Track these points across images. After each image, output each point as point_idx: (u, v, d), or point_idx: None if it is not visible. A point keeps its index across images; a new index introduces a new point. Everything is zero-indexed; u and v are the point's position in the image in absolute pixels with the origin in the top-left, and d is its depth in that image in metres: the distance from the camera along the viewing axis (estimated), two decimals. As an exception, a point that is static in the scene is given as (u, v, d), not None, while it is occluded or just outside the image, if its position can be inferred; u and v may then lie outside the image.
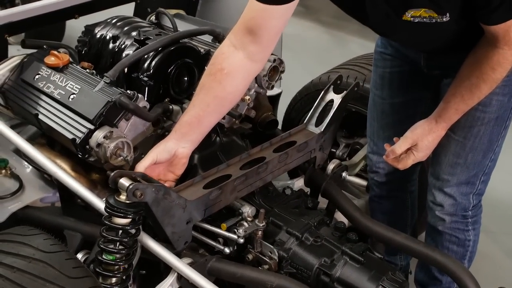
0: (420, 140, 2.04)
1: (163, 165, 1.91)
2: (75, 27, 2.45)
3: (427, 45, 2.02)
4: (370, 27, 1.99)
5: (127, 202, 1.70)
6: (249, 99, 2.31)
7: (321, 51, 5.33)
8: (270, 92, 2.88)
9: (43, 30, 3.07)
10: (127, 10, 2.79)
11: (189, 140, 1.92)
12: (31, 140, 2.19)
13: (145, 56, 2.08)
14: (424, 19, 1.75)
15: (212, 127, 1.98)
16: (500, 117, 2.07)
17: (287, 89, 2.99)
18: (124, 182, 1.68)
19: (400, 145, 2.07)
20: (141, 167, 1.85)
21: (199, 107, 1.91)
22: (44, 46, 2.32)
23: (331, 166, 2.33)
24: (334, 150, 2.87)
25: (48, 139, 2.21)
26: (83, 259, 1.98)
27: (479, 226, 2.34)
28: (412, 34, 1.90)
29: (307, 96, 2.78)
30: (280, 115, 3.02)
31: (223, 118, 2.20)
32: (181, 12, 2.64)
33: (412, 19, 1.76)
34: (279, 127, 2.74)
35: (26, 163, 2.21)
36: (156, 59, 2.08)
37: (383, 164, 2.41)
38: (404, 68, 2.22)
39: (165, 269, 1.90)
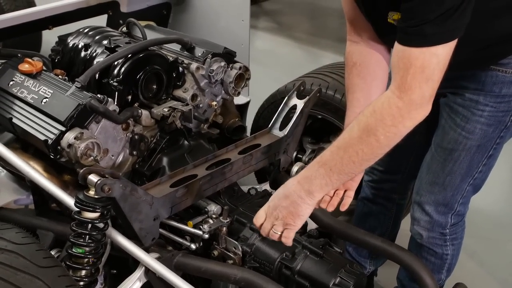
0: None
1: None
2: (52, 42, 2.54)
3: None
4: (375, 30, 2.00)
5: (96, 197, 1.79)
6: (216, 105, 2.42)
7: (293, 66, 5.44)
8: (239, 101, 3.00)
9: (20, 42, 3.16)
10: (100, 22, 2.88)
11: None
12: (5, 145, 2.25)
13: (115, 63, 2.15)
14: None
15: None
16: (482, 146, 2.05)
17: (258, 99, 3.08)
18: (93, 178, 1.76)
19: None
20: None
21: (353, 107, 2.01)
22: (19, 55, 2.40)
23: (295, 169, 2.39)
24: (301, 156, 2.97)
25: (22, 143, 2.27)
26: (55, 257, 2.06)
27: (460, 241, 2.34)
28: None
29: (273, 104, 2.88)
30: (249, 123, 3.12)
31: (191, 122, 2.31)
32: (152, 23, 2.73)
33: (394, 22, 1.70)
34: (248, 134, 2.83)
35: (0, 167, 2.29)
36: (125, 65, 2.15)
37: (378, 170, 2.48)
38: None
39: (133, 264, 1.97)
